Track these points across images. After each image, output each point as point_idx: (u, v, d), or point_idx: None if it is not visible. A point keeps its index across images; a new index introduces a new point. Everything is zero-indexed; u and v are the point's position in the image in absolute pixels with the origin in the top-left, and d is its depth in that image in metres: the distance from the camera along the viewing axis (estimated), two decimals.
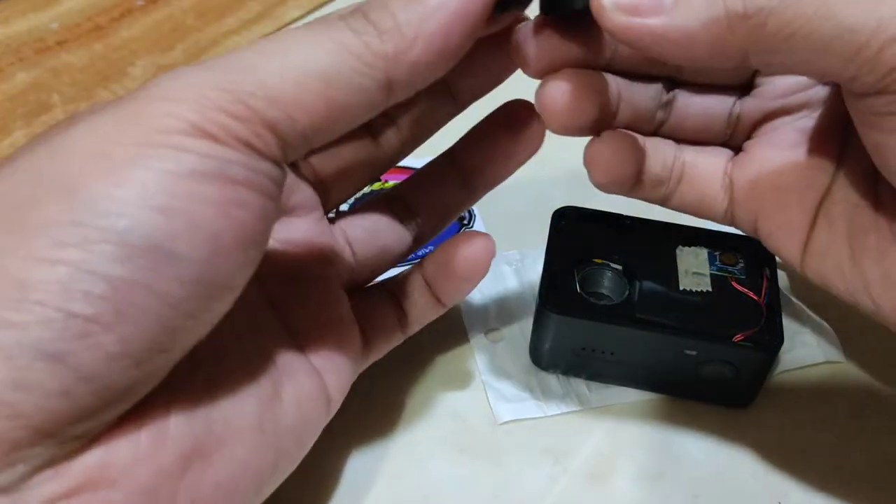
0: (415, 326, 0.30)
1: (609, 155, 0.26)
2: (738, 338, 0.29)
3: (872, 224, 0.24)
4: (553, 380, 0.33)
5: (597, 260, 0.32)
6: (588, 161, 0.26)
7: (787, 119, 0.27)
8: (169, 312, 0.19)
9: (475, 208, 0.41)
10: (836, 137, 0.23)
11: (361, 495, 0.29)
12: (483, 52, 0.25)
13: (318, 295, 0.27)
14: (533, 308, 0.32)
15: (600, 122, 0.26)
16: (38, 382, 0.18)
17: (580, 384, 0.32)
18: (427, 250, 0.38)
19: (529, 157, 0.29)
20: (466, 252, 0.27)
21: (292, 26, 0.56)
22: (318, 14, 0.58)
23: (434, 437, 0.31)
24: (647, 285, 0.30)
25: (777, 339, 0.29)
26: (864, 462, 0.30)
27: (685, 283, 0.31)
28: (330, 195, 0.29)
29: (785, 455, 0.30)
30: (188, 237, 0.19)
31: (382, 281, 0.30)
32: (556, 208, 0.33)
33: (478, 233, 0.28)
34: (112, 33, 0.55)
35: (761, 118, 0.27)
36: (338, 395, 0.27)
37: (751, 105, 0.27)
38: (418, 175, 0.30)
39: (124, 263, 0.18)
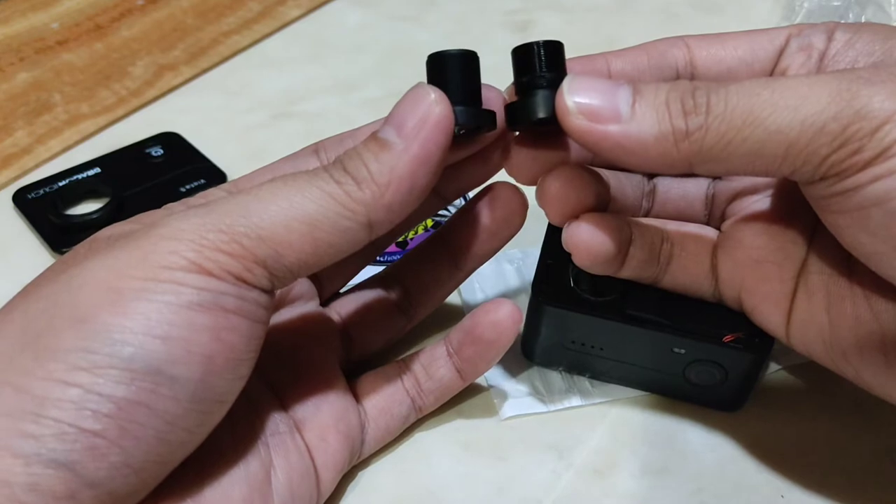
0: (429, 403, 0.30)
1: (587, 236, 0.27)
2: (727, 338, 0.29)
3: (848, 293, 0.25)
4: (556, 375, 0.33)
5: None
6: (567, 243, 0.27)
7: (757, 197, 0.29)
8: (167, 428, 0.21)
9: None
10: (807, 210, 0.25)
11: (367, 491, 0.29)
12: (466, 165, 0.28)
13: (313, 375, 0.29)
14: None
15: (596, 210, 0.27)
16: (49, 487, 0.20)
17: (583, 380, 0.33)
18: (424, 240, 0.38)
19: (512, 235, 0.30)
20: (493, 317, 0.29)
21: (292, 26, 0.57)
22: (317, 14, 0.58)
23: (438, 433, 0.31)
24: (641, 283, 0.30)
25: (767, 341, 0.28)
26: (866, 456, 0.30)
27: None
28: (325, 285, 0.31)
29: (787, 449, 0.30)
30: (185, 361, 0.21)
31: (404, 357, 0.31)
32: None
33: (505, 301, 0.29)
34: (112, 33, 0.55)
35: (733, 196, 0.29)
36: (327, 474, 0.27)
37: (722, 186, 0.30)
38: (410, 255, 0.32)
39: (128, 386, 0.20)
